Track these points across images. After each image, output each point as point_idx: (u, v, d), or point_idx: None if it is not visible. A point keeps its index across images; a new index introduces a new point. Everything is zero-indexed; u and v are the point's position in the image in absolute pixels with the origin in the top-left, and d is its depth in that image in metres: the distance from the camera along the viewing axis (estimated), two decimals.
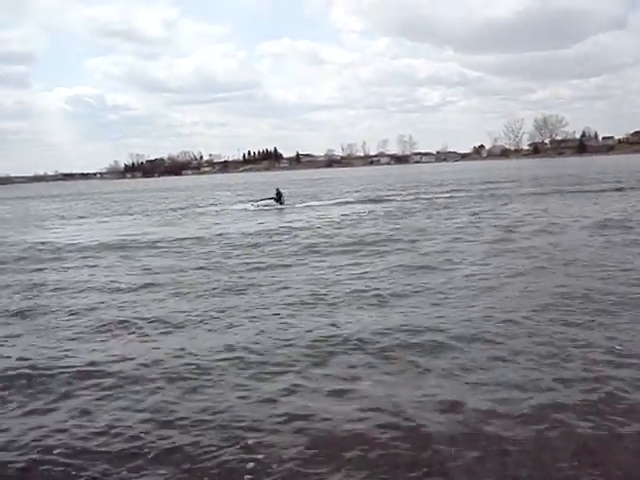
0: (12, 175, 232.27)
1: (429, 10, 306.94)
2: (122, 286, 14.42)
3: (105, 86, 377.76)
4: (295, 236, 22.69)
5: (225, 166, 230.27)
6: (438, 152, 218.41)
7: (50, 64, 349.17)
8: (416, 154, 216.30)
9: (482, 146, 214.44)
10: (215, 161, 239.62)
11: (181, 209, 41.95)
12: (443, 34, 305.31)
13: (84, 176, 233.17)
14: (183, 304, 12.16)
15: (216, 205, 43.85)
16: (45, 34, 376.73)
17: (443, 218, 26.37)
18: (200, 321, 10.75)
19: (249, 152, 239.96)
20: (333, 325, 9.90)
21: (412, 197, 40.88)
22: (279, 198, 38.66)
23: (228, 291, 13.19)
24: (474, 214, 27.04)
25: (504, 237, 19.30)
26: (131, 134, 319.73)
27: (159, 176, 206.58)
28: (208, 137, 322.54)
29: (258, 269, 15.76)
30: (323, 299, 11.86)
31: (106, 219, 37.79)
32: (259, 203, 38.25)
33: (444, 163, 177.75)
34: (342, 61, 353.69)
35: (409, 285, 12.68)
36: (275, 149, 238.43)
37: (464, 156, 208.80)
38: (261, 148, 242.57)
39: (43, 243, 24.94)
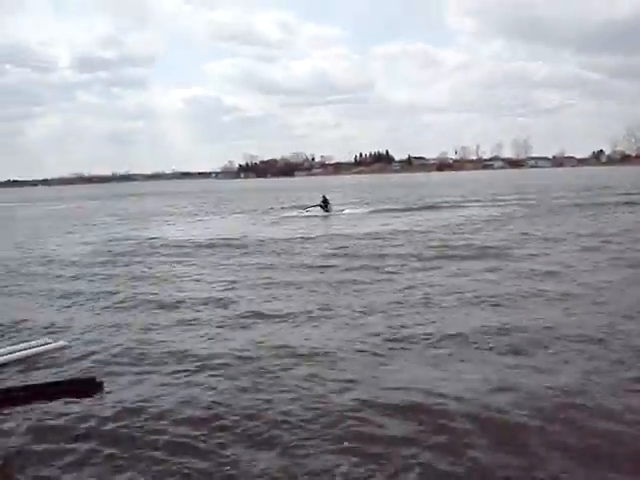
0: (132, 173, 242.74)
1: (545, 10, 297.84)
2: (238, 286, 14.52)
3: (222, 88, 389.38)
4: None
5: (337, 168, 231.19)
6: (554, 157, 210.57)
7: (170, 66, 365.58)
8: (531, 159, 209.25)
9: (601, 151, 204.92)
10: (327, 163, 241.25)
11: (289, 208, 42.30)
12: (560, 35, 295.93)
13: (200, 175, 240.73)
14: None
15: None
16: (166, 37, 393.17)
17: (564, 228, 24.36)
18: None
19: (360, 154, 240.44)
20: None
21: (524, 201, 39.61)
22: (326, 205, 36.88)
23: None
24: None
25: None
26: (246, 135, 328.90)
27: (272, 177, 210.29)
28: (321, 139, 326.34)
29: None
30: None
31: (216, 217, 38.79)
32: (308, 209, 36.86)
33: (561, 169, 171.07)
34: (456, 63, 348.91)
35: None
36: (387, 151, 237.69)
37: (581, 161, 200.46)
38: (373, 150, 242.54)
39: (154, 239, 25.94)
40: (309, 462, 5.87)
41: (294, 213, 37.15)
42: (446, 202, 42.70)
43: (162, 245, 23.78)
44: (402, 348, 9.13)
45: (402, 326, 10.23)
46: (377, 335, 9.81)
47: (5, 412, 7.30)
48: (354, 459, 5.83)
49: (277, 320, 11.19)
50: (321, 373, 8.20)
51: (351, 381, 7.79)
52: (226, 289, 14.46)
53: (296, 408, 7.04)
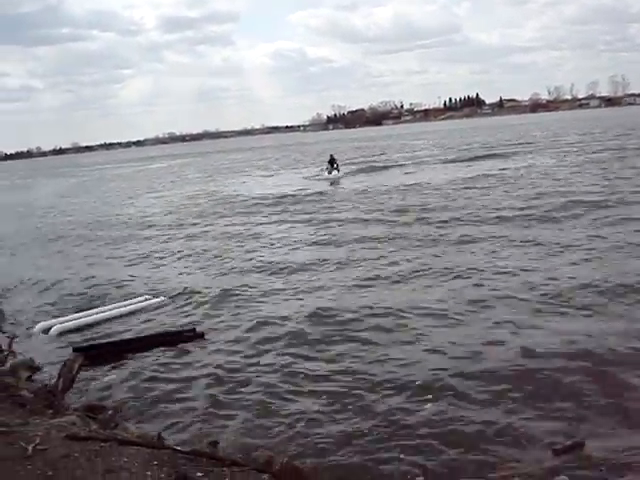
0: (222, 130, 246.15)
1: None
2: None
3: (306, 39, 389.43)
4: None
5: (425, 114, 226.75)
6: None
7: (253, 21, 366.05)
8: (629, 95, 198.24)
9: None
10: (415, 110, 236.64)
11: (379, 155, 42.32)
12: None
13: (288, 128, 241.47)
14: None
15: (414, 156, 43.48)
16: None
17: None
18: None
19: (450, 99, 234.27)
20: None
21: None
22: (332, 164, 33.17)
23: None
24: None
25: None
26: (332, 86, 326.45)
27: (360, 127, 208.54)
28: (408, 86, 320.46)
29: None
30: None
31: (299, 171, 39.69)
32: (329, 170, 32.92)
33: None
34: None
35: None
36: (477, 95, 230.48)
37: None
38: (462, 95, 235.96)
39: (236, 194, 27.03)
40: None
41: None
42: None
43: (242, 200, 24.76)
44: None
45: None
46: None
47: (120, 360, 8.22)
48: None
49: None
50: None
51: None
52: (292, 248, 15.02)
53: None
